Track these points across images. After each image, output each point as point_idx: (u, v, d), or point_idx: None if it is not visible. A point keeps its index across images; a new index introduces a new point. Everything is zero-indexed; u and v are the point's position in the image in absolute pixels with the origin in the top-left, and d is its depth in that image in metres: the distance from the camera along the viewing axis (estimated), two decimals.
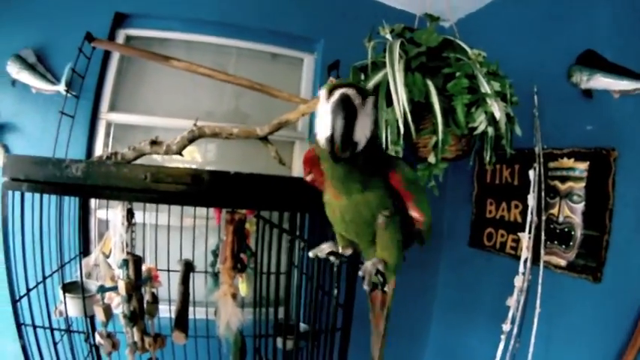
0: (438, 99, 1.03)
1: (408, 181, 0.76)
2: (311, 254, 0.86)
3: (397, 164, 0.78)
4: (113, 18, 1.74)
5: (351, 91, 0.68)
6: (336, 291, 0.89)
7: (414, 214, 0.78)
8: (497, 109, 1.05)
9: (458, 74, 1.07)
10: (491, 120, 1.08)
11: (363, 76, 1.16)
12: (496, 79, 1.15)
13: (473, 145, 1.19)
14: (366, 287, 0.77)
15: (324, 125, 0.69)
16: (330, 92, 0.69)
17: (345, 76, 1.27)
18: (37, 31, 1.67)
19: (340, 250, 0.87)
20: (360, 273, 0.78)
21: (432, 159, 1.04)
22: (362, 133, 0.69)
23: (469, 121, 1.06)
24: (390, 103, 1.06)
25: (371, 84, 1.08)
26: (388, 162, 0.78)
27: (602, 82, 1.37)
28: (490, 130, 1.08)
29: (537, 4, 1.67)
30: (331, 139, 0.67)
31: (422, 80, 1.04)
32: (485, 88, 1.07)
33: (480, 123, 1.06)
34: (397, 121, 1.03)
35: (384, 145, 1.08)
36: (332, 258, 0.86)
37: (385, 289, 0.78)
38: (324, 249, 0.87)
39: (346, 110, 0.66)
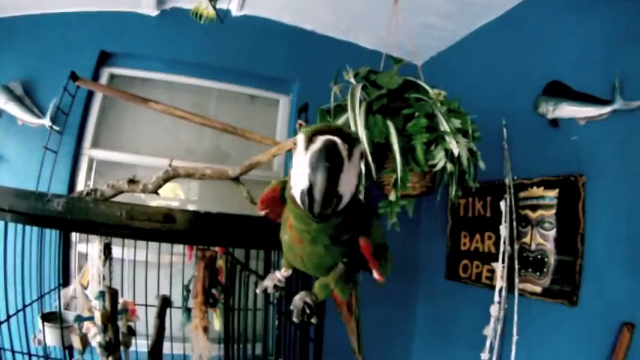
0: (398, 139, 1.07)
1: (377, 251, 0.72)
2: (258, 291, 0.87)
3: (371, 230, 0.72)
4: (98, 56, 1.82)
5: (337, 139, 0.57)
6: (277, 322, 0.90)
7: (376, 276, 0.75)
8: (455, 146, 1.09)
9: (417, 114, 1.11)
10: (452, 157, 1.12)
11: (329, 119, 1.22)
12: (457, 116, 1.18)
13: (439, 181, 1.22)
14: (295, 320, 0.76)
15: (302, 177, 0.58)
16: (311, 139, 0.58)
17: (313, 119, 1.32)
18: (25, 65, 1.74)
19: (282, 273, 0.87)
20: (291, 307, 0.76)
21: (392, 196, 1.07)
22: (347, 187, 0.59)
23: (428, 159, 1.10)
24: None
25: None
26: (363, 220, 0.71)
27: (568, 110, 1.41)
28: (450, 166, 1.11)
29: (504, 40, 1.73)
30: (310, 195, 0.57)
31: (382, 121, 1.09)
32: (444, 126, 1.11)
33: (440, 160, 1.10)
34: None
35: None
36: (270, 290, 0.86)
37: (312, 320, 0.75)
38: (268, 285, 0.86)
39: (331, 161, 0.56)
